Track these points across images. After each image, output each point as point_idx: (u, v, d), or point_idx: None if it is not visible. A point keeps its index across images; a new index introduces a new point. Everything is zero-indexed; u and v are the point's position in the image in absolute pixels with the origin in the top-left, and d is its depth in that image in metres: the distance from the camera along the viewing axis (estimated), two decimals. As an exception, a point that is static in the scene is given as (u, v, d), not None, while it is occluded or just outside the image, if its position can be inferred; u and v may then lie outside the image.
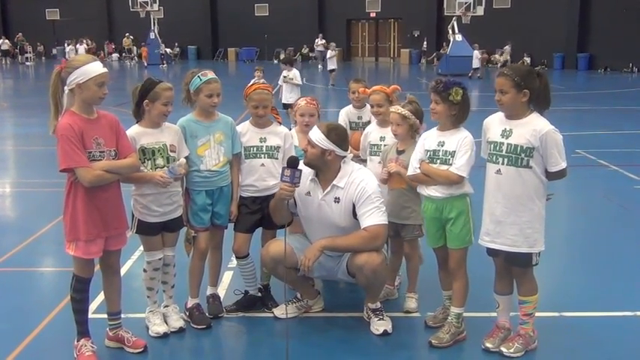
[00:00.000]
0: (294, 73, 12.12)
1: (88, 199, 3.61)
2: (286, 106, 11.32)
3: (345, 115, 5.56)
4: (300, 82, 12.25)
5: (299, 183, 4.02)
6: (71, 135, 3.51)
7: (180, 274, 4.42)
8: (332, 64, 24.36)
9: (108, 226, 3.72)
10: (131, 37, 41.68)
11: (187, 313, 4.41)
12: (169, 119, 4.19)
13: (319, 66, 33.39)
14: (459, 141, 3.91)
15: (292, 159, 4.07)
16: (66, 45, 40.02)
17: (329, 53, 25.13)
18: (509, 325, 4.04)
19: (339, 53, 39.43)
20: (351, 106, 5.63)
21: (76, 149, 3.51)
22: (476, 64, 27.46)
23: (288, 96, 12.04)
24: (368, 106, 5.12)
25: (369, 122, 5.27)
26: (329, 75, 24.06)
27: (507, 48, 33.31)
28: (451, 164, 3.91)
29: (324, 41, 35.14)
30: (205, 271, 4.53)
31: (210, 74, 4.27)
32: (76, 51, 35.61)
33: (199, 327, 4.32)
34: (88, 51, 37.21)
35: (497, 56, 34.33)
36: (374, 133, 4.83)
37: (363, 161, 4.79)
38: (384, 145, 4.66)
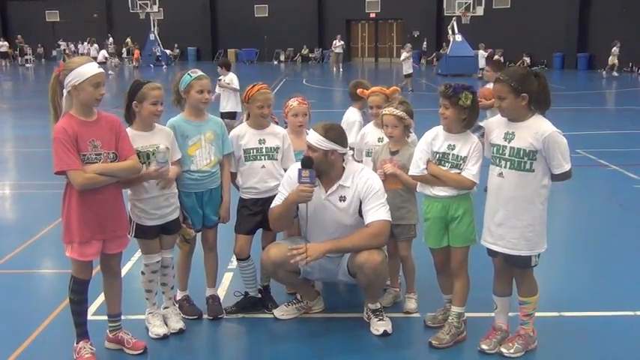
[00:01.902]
0: (231, 77, 10.86)
1: (81, 201, 3.61)
2: (224, 116, 10.21)
3: (359, 115, 5.46)
4: (238, 87, 10.59)
5: (315, 182, 4.02)
6: (64, 138, 3.51)
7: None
8: (408, 68, 21.14)
9: (104, 229, 3.71)
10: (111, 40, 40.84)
11: (178, 306, 4.44)
12: (162, 119, 4.19)
13: (334, 69, 32.08)
14: (471, 147, 3.90)
15: (307, 159, 4.04)
16: (62, 47, 39.58)
17: (403, 55, 21.46)
18: (507, 327, 4.03)
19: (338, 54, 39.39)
20: (355, 108, 5.60)
21: (68, 152, 3.50)
22: (482, 63, 27.41)
23: (225, 104, 10.84)
24: None
25: None
26: (403, 80, 20.84)
27: (615, 49, 28.14)
28: (461, 168, 3.91)
29: (342, 42, 33.50)
30: (203, 274, 4.55)
31: (200, 72, 4.30)
32: (74, 52, 34.80)
33: (190, 317, 4.39)
34: (114, 49, 36.60)
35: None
36: (371, 134, 4.83)
37: (359, 162, 4.76)
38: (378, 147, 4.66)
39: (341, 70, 31.94)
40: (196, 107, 4.30)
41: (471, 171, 3.90)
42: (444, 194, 3.98)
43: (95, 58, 29.61)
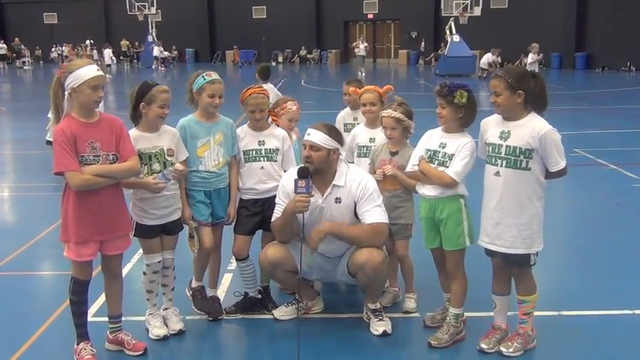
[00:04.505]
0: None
1: (78, 201, 3.62)
2: None
3: (342, 118, 5.55)
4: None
5: (312, 192, 4.02)
6: (62, 139, 3.53)
7: (179, 277, 4.43)
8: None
9: (102, 230, 3.71)
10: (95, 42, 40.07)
11: (190, 293, 4.43)
12: (169, 121, 4.19)
13: (360, 73, 27.61)
14: (459, 145, 3.90)
15: (304, 169, 4.04)
16: (58, 49, 39.26)
17: (530, 57, 18.75)
18: (506, 326, 4.04)
19: (336, 55, 39.37)
20: (347, 108, 5.64)
21: (66, 153, 3.52)
22: (484, 65, 27.20)
23: None
24: None
25: None
26: None
27: None
28: (448, 167, 3.91)
29: (365, 44, 31.81)
30: (205, 274, 4.56)
31: (215, 75, 4.31)
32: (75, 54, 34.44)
33: (199, 312, 4.39)
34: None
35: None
36: (363, 134, 4.83)
37: (350, 163, 4.75)
38: (374, 147, 4.67)
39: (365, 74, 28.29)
40: (207, 110, 4.32)
41: (453, 168, 3.89)
42: (431, 194, 3.99)
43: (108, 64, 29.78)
